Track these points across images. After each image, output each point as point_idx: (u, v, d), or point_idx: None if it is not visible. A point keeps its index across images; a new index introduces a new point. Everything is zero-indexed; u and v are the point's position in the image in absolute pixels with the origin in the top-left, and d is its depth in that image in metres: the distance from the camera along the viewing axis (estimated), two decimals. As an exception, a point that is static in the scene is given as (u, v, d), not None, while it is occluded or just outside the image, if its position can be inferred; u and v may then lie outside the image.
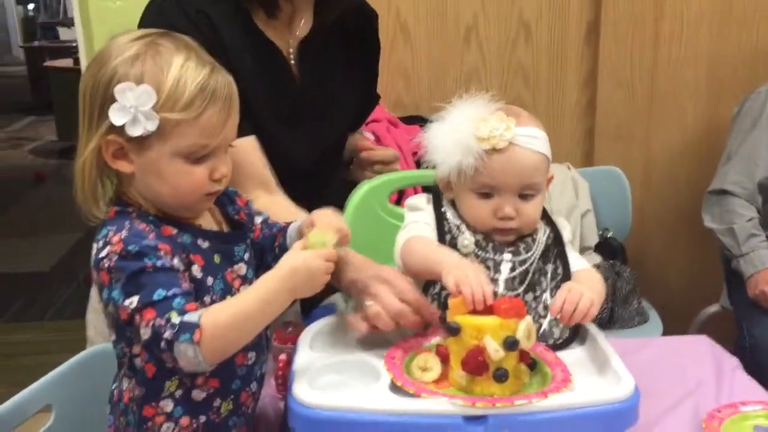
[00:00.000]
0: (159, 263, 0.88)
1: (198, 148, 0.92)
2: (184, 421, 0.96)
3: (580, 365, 0.96)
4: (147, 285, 0.86)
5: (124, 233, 0.89)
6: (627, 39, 2.42)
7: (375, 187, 1.26)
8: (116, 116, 0.89)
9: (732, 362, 1.33)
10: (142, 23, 1.23)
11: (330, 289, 1.26)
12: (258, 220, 1.10)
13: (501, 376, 0.86)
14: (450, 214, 1.11)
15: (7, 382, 1.24)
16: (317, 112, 1.33)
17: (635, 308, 2.17)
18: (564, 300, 0.97)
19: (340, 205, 1.28)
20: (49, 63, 6.83)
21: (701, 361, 1.33)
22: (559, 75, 2.48)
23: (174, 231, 0.94)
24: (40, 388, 1.19)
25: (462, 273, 0.92)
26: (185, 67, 0.91)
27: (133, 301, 0.86)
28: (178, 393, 0.96)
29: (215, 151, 0.95)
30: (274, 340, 1.22)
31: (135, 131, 0.89)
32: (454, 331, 0.87)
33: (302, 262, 0.91)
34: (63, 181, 5.38)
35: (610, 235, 2.31)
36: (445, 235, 1.09)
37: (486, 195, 1.08)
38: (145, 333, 0.86)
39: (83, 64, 2.34)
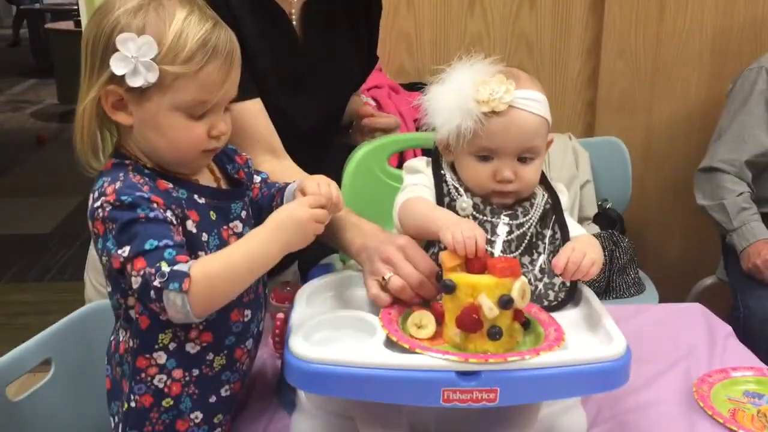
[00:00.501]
0: (152, 214, 0.88)
1: (197, 103, 0.93)
2: (177, 373, 0.97)
3: (574, 326, 0.97)
4: (139, 235, 0.87)
5: (118, 184, 0.90)
6: (632, 9, 2.40)
7: (373, 149, 1.26)
8: (117, 66, 0.89)
9: (725, 330, 1.35)
10: None
11: (327, 248, 1.28)
12: (257, 179, 1.10)
13: (495, 333, 0.86)
14: (449, 177, 1.11)
15: (8, 341, 1.25)
16: (320, 75, 1.32)
17: (632, 278, 2.19)
18: (568, 258, 0.98)
19: (340, 168, 1.28)
20: (50, 26, 6.79)
21: (694, 328, 1.34)
22: (562, 44, 2.47)
23: (170, 185, 0.94)
24: (40, 342, 1.20)
25: (458, 228, 0.93)
26: (188, 21, 0.91)
27: (126, 250, 0.87)
28: (172, 345, 0.97)
29: (214, 107, 0.95)
30: (272, 299, 1.23)
31: (135, 82, 0.89)
32: (449, 288, 0.88)
33: (287, 213, 0.92)
34: (64, 145, 5.36)
35: (609, 205, 2.32)
36: (443, 198, 1.09)
37: (485, 158, 1.08)
38: (136, 282, 0.87)
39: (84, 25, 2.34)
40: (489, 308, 0.86)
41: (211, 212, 0.97)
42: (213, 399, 1.01)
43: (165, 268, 0.86)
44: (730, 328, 1.36)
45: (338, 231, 1.07)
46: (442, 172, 1.12)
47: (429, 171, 1.13)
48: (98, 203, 0.89)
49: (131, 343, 0.97)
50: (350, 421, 1.00)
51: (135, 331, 0.96)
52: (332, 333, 0.95)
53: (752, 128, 2.06)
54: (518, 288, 0.87)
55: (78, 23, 6.05)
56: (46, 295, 3.22)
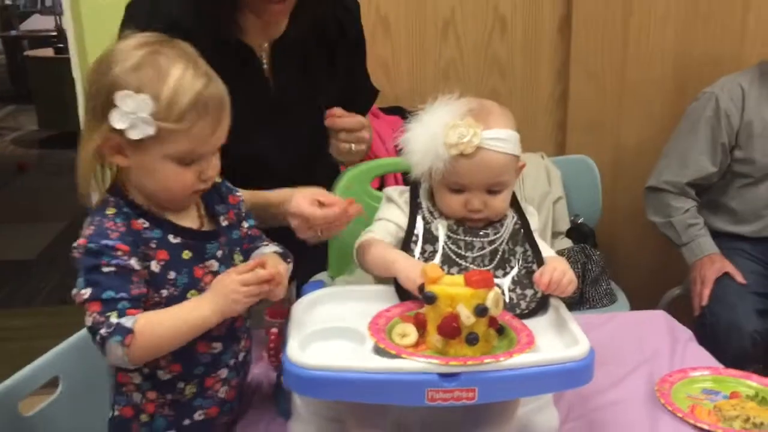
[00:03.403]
0: (114, 262, 0.99)
1: (188, 153, 1.02)
2: (151, 395, 1.08)
3: (543, 331, 1.07)
4: (101, 283, 0.98)
5: (92, 229, 1.01)
6: (597, 34, 2.53)
7: (356, 175, 1.36)
8: (116, 121, 0.99)
9: (686, 334, 1.46)
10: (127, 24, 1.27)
11: (317, 266, 1.37)
12: (245, 224, 1.18)
13: (472, 339, 0.96)
14: (424, 205, 1.22)
15: (2, 365, 1.34)
16: (293, 116, 1.36)
17: (604, 289, 2.30)
18: (550, 277, 1.10)
19: (327, 187, 1.34)
20: (29, 53, 6.84)
21: (658, 333, 1.45)
22: (533, 68, 2.59)
23: (145, 225, 1.04)
24: (48, 361, 1.29)
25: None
26: (183, 79, 1.00)
27: (87, 291, 0.98)
28: (145, 370, 1.07)
29: (205, 155, 1.05)
30: (266, 315, 1.32)
31: (134, 135, 0.99)
32: (430, 300, 0.98)
33: (219, 280, 1.03)
34: (45, 171, 5.41)
35: (581, 220, 2.43)
36: (418, 222, 1.20)
37: (457, 190, 1.19)
38: (88, 321, 0.99)
39: (72, 55, 2.42)
40: (466, 316, 0.96)
41: (185, 251, 1.06)
42: (187, 422, 1.10)
43: (113, 319, 0.97)
44: (690, 333, 1.47)
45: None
46: (419, 200, 1.22)
47: (403, 199, 1.23)
48: (76, 243, 1.00)
49: None
50: (342, 424, 1.09)
51: None
52: (326, 343, 1.04)
53: (696, 153, 2.19)
54: (492, 298, 0.97)
55: (58, 50, 6.11)
56: (34, 321, 3.26)
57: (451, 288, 0.98)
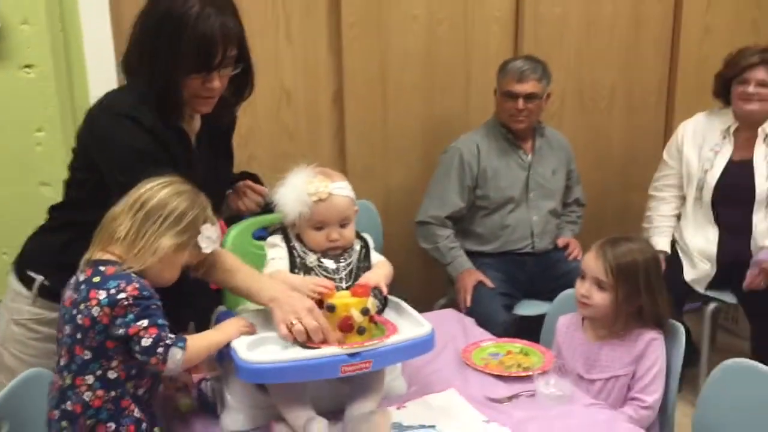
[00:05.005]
0: (157, 303, 1.42)
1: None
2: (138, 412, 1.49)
3: (397, 320, 1.62)
4: (153, 315, 1.41)
5: (137, 284, 1.41)
6: (365, 101, 3.13)
7: (241, 231, 1.82)
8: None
9: (470, 321, 2.11)
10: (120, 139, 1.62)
11: (213, 304, 1.79)
12: None
13: (362, 330, 1.48)
14: (296, 245, 1.71)
15: None
16: (208, 181, 1.72)
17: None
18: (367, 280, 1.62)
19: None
20: None
21: (452, 323, 2.08)
22: (315, 132, 3.14)
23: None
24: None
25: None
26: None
27: (144, 322, 1.39)
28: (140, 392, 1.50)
29: None
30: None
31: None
32: (331, 309, 1.48)
33: (232, 330, 1.53)
34: None
35: (368, 251, 3.01)
36: (296, 258, 1.68)
37: (319, 228, 1.69)
38: (146, 342, 1.39)
39: None
40: (357, 316, 1.47)
41: None
42: None
43: (171, 335, 1.40)
44: (472, 320, 2.12)
45: (251, 282, 1.58)
46: (292, 243, 1.71)
47: (283, 243, 1.71)
48: (122, 295, 1.40)
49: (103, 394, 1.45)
50: (265, 410, 1.54)
51: (105, 382, 1.44)
52: (263, 347, 1.49)
53: (450, 193, 2.90)
54: (371, 302, 1.50)
55: None
56: None
57: (343, 299, 1.49)
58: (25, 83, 2.37)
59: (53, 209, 1.81)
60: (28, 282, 1.73)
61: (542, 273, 2.94)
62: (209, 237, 1.51)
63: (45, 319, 1.72)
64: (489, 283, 2.80)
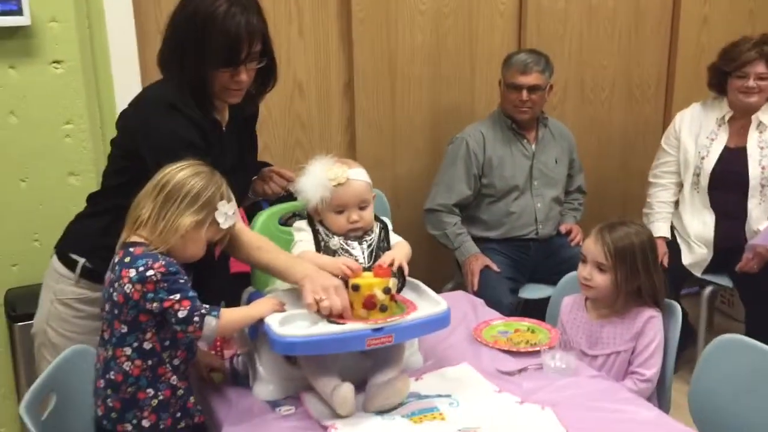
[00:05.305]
0: (184, 277, 1.54)
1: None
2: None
3: (416, 299, 1.74)
4: (183, 289, 1.53)
5: (163, 261, 1.52)
6: (373, 93, 3.26)
7: (269, 216, 1.95)
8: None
9: (480, 301, 2.23)
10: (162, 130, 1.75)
11: (243, 286, 1.92)
12: None
13: (384, 308, 1.61)
14: (320, 229, 1.83)
15: None
16: (236, 164, 1.89)
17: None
18: (393, 257, 1.74)
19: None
20: None
21: (463, 303, 2.20)
22: (326, 122, 3.27)
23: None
24: (47, 376, 1.66)
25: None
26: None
27: (177, 296, 1.51)
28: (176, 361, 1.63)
29: None
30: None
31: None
32: (356, 288, 1.61)
33: (265, 308, 1.64)
34: None
35: (378, 238, 3.15)
36: (320, 242, 1.81)
37: (340, 211, 1.82)
38: (182, 313, 1.51)
39: None
40: (379, 295, 1.60)
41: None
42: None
43: (204, 305, 1.53)
44: (482, 300, 2.24)
45: (284, 261, 1.70)
46: (316, 227, 1.83)
47: (308, 227, 1.84)
48: (150, 272, 1.51)
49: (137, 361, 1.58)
50: (293, 382, 1.67)
51: (141, 353, 1.57)
52: (294, 322, 1.62)
53: (457, 182, 3.03)
54: (392, 282, 1.63)
55: None
56: None
57: (367, 279, 1.62)
58: (55, 78, 2.50)
59: (93, 196, 1.94)
60: (70, 264, 1.86)
61: (546, 258, 3.07)
62: (226, 213, 1.61)
63: (88, 298, 1.85)
64: (495, 268, 2.93)
